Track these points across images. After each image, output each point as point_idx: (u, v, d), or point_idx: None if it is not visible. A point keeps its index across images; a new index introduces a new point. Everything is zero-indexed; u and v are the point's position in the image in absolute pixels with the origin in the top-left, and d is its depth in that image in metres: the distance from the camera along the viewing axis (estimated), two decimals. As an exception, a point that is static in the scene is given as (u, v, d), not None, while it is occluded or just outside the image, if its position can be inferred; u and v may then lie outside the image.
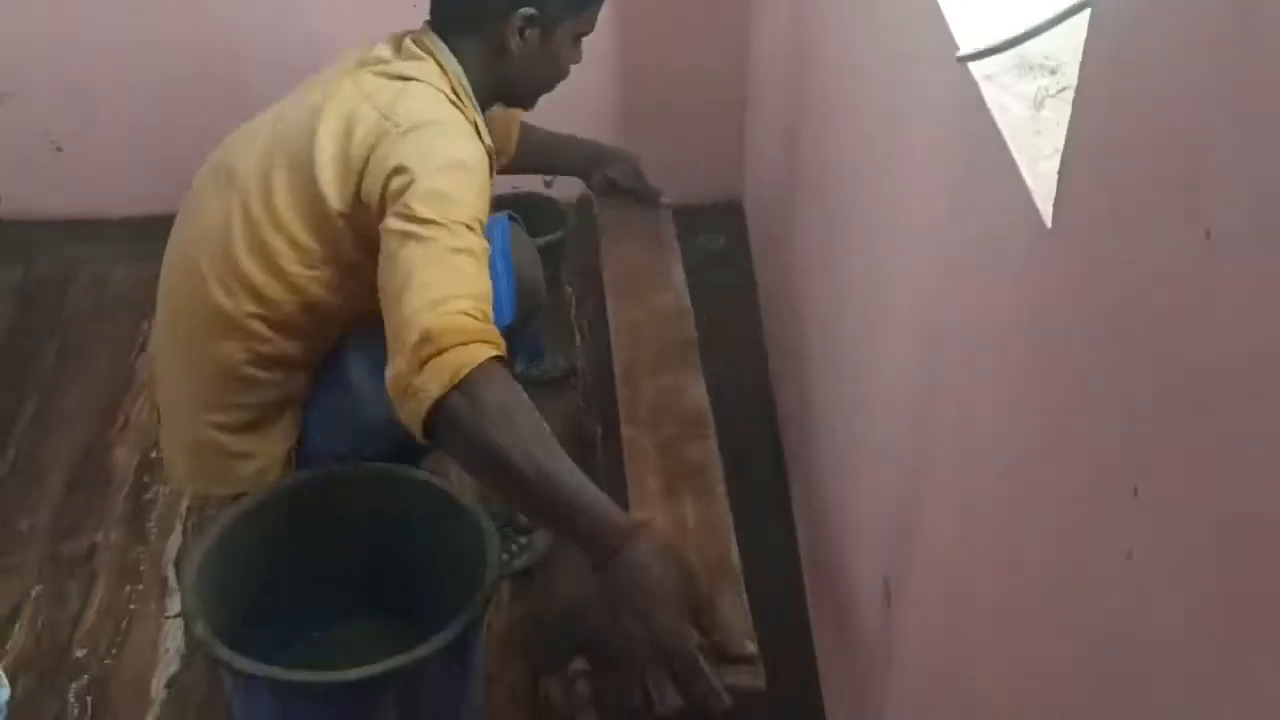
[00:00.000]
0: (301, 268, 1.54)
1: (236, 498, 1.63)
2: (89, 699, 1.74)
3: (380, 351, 1.41)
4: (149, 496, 2.05)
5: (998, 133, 0.91)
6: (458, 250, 1.38)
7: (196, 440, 1.64)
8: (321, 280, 1.55)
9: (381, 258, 1.41)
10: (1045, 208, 0.82)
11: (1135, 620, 0.67)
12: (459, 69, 1.60)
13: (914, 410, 1.17)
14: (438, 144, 1.47)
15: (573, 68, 1.72)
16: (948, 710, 1.08)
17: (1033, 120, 0.92)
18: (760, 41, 2.34)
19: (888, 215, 1.26)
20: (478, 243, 1.41)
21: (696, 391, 1.82)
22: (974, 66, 0.98)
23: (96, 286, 2.49)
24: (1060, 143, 0.88)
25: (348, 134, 1.50)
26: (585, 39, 1.71)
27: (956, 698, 1.04)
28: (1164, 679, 0.64)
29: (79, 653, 1.80)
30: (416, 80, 1.55)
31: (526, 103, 1.76)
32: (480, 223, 1.44)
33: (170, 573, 1.92)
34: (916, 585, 1.19)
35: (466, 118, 1.57)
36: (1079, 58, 0.95)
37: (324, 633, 1.69)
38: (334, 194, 1.49)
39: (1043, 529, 0.82)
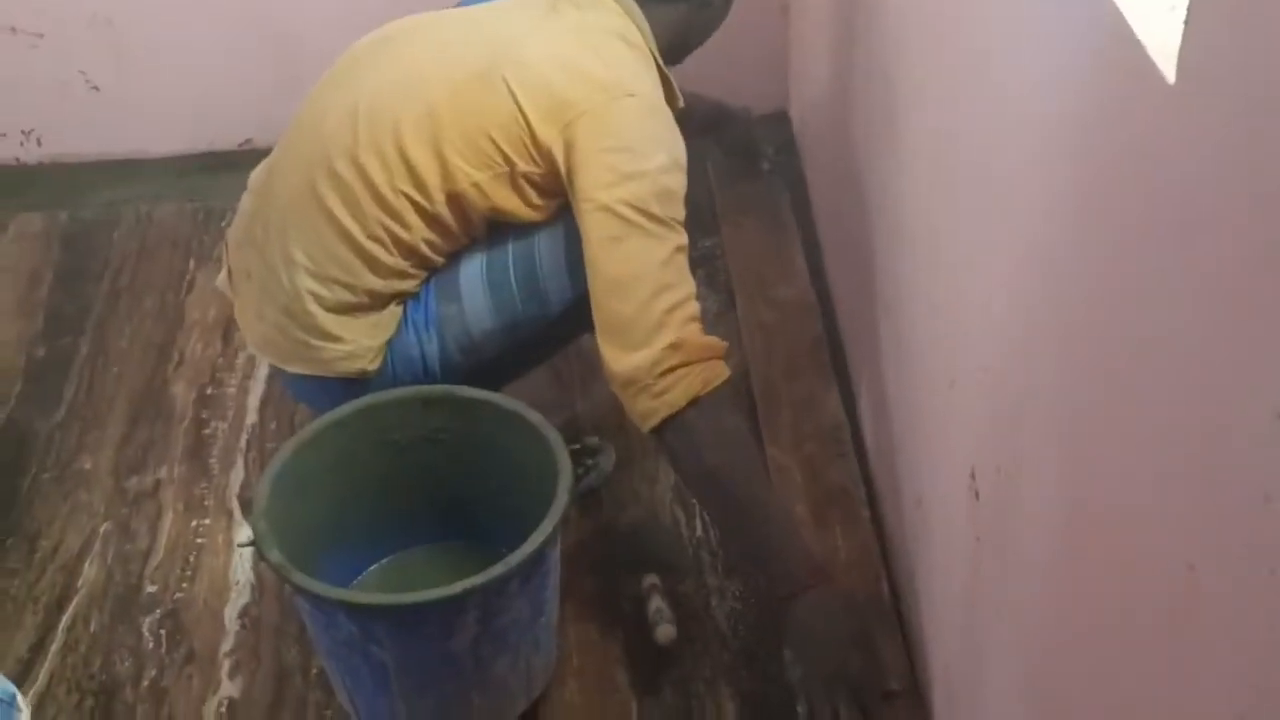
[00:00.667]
0: (463, 163, 1.55)
1: (311, 379, 1.65)
2: (162, 632, 1.74)
3: (499, 270, 1.59)
4: (208, 432, 2.04)
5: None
6: (680, 249, 1.50)
7: (287, 308, 1.62)
8: (480, 182, 1.56)
9: (602, 228, 1.48)
10: (1166, 66, 0.77)
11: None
12: (648, 31, 1.63)
13: (1015, 295, 1.13)
14: (665, 134, 1.53)
15: None
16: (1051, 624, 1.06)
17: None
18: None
19: (972, 97, 1.21)
20: (685, 236, 1.52)
21: (832, 400, 1.97)
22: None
23: (141, 226, 2.47)
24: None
25: (565, 61, 1.54)
26: None
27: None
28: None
29: (151, 587, 1.80)
30: (628, 41, 1.60)
31: (681, 60, 1.76)
32: (684, 207, 1.53)
33: (235, 505, 1.91)
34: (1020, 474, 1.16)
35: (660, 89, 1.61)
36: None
37: (396, 556, 1.68)
38: (531, 106, 1.52)
39: (1177, 397, 0.78)
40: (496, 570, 1.38)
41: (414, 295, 1.63)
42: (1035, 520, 1.10)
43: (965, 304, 1.29)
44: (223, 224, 2.43)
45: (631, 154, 1.49)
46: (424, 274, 1.62)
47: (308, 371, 1.66)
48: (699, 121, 2.10)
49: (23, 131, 2.55)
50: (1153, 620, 0.84)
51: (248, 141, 2.55)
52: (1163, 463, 0.81)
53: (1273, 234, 0.65)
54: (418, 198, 1.56)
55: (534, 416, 1.57)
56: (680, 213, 1.51)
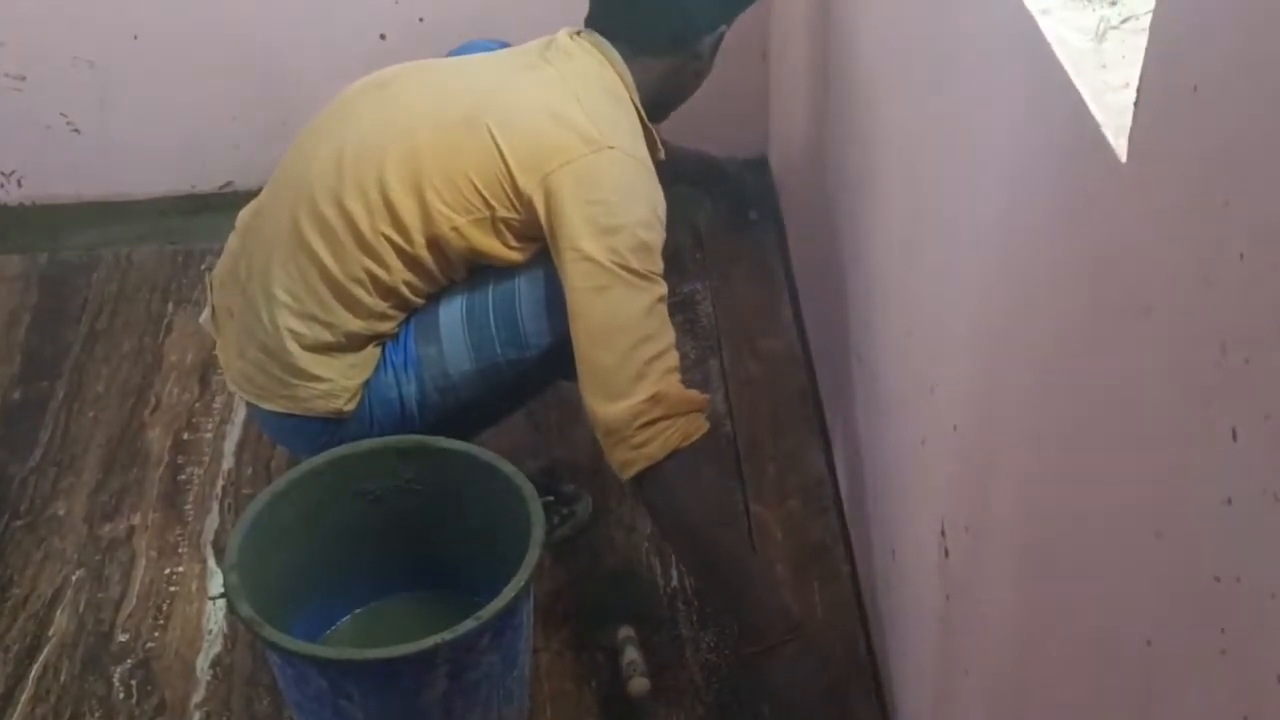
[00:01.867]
0: (444, 206, 1.56)
1: (290, 416, 1.65)
2: (133, 682, 1.73)
3: (479, 312, 1.60)
4: (184, 478, 2.03)
5: (1060, 67, 0.87)
6: (661, 300, 1.52)
7: (266, 345, 1.63)
8: (459, 226, 1.57)
9: (583, 278, 1.50)
10: (1118, 142, 0.78)
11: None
12: (632, 84, 1.64)
13: (979, 358, 1.14)
14: (644, 187, 1.56)
15: None
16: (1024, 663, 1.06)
17: (1095, 53, 0.88)
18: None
19: (940, 161, 1.22)
20: (665, 286, 1.54)
21: (815, 455, 2.00)
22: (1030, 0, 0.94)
23: (120, 269, 2.47)
24: (1129, 76, 0.85)
25: (551, 114, 1.56)
26: None
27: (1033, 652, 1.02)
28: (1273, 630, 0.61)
29: (122, 636, 1.79)
30: (613, 95, 1.62)
31: (665, 116, 1.77)
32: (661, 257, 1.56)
33: (209, 553, 1.91)
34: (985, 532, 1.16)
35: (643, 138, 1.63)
36: (1140, -14, 0.92)
37: (369, 607, 1.68)
38: (513, 155, 1.54)
39: (1131, 475, 0.79)
40: (467, 625, 1.38)
41: (393, 336, 1.63)
42: (999, 581, 1.10)
43: (935, 362, 1.29)
44: (203, 267, 2.45)
45: (610, 207, 1.51)
46: (403, 315, 1.63)
47: (284, 410, 1.66)
48: (687, 174, 2.15)
49: (3, 173, 2.55)
50: (1113, 689, 0.84)
51: (229, 184, 2.56)
52: (1119, 538, 0.81)
53: (1218, 315, 0.66)
54: (398, 240, 1.57)
55: (508, 468, 1.56)
56: (658, 265, 1.53)
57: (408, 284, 1.60)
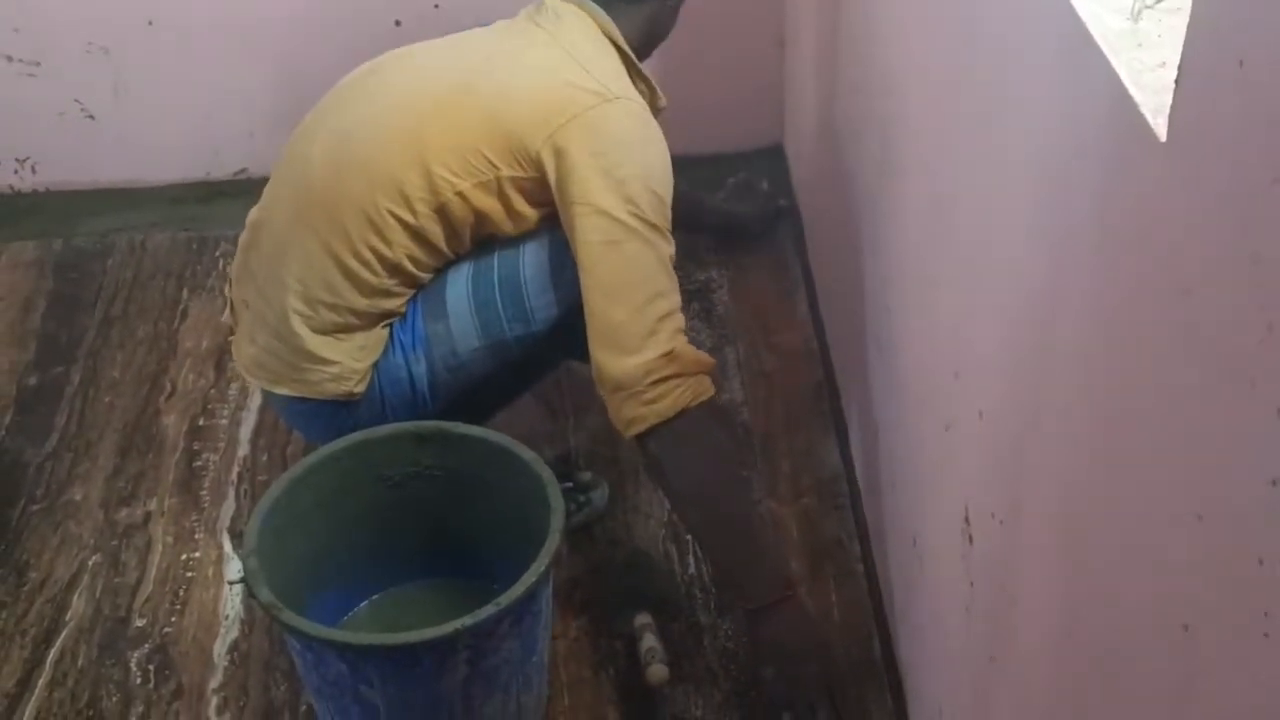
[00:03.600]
0: (449, 174, 1.55)
1: (303, 400, 1.65)
2: (151, 667, 1.73)
3: (485, 287, 1.59)
4: (200, 464, 2.03)
5: (1096, 47, 0.86)
6: (671, 258, 1.52)
7: (277, 330, 1.64)
8: (464, 190, 1.56)
9: (595, 231, 1.48)
10: (1157, 121, 0.77)
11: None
12: (619, 37, 1.63)
13: (1010, 343, 1.13)
14: (653, 136, 1.54)
15: None
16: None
17: (1132, 32, 0.88)
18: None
19: (970, 144, 1.21)
20: (673, 244, 1.55)
21: (830, 450, 1.99)
22: (1065, -20, 0.93)
23: (135, 255, 2.47)
24: (1166, 56, 0.84)
25: (550, 72, 1.55)
26: None
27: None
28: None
29: (139, 621, 1.79)
30: (604, 49, 1.61)
31: (649, 55, 1.75)
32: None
33: (226, 539, 1.90)
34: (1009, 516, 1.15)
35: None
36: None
37: (386, 593, 1.67)
38: (515, 115, 1.53)
39: (1171, 458, 0.78)
40: (487, 610, 1.38)
41: (400, 316, 1.63)
42: (1030, 567, 1.10)
43: (962, 347, 1.29)
44: (217, 253, 2.45)
45: (621, 157, 1.50)
46: (409, 292, 1.62)
47: (295, 393, 1.66)
48: (712, 229, 2.29)
49: (18, 159, 2.54)
50: (1150, 676, 0.84)
51: (243, 171, 2.55)
52: (1158, 521, 0.81)
53: (1264, 294, 0.65)
54: (402, 213, 1.56)
55: (527, 454, 1.56)
56: (669, 219, 1.53)
57: (411, 258, 1.59)
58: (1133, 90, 0.81)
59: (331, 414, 1.66)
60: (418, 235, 1.58)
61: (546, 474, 1.53)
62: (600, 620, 1.75)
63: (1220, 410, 0.71)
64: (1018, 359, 1.10)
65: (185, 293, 2.37)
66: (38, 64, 2.44)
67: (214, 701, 1.69)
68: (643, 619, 1.68)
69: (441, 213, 1.57)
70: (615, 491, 1.91)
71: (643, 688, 1.63)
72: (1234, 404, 0.68)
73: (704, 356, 1.52)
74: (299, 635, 1.40)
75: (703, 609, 1.77)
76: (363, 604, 1.68)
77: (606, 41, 1.62)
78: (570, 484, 1.83)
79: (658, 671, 1.62)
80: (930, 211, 1.37)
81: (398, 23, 2.40)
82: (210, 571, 1.86)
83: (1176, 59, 0.79)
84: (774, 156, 2.56)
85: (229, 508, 1.95)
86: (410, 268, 1.60)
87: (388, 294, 1.61)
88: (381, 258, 1.58)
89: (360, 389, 1.63)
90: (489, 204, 1.56)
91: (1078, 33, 0.89)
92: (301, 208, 1.62)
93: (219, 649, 1.75)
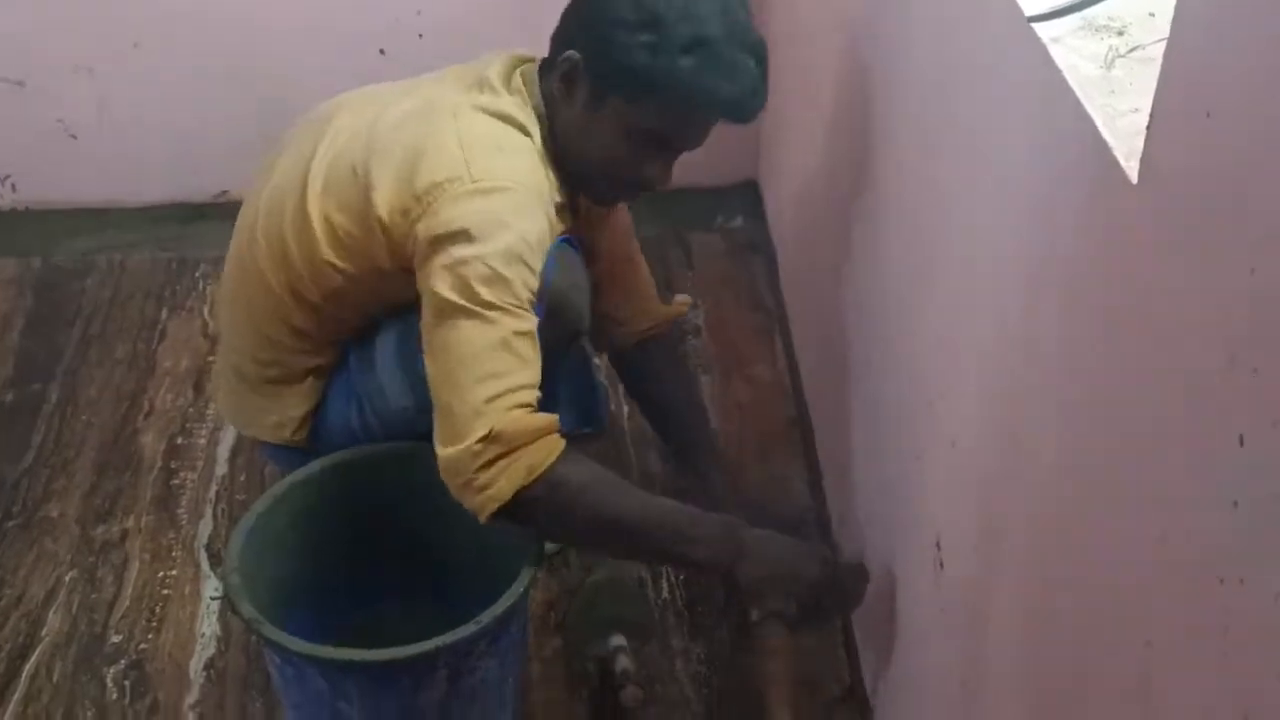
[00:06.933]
0: (331, 254, 1.53)
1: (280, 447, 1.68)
2: (127, 683, 1.74)
3: (410, 345, 1.49)
4: (177, 482, 2.04)
5: (1072, 93, 0.91)
6: (519, 334, 1.40)
7: (234, 374, 1.69)
8: (346, 273, 1.53)
9: (433, 316, 1.40)
10: (1129, 164, 0.82)
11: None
12: (544, 112, 1.52)
13: (986, 373, 1.17)
14: (509, 218, 1.41)
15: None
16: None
17: (1105, 79, 0.92)
18: (777, 14, 2.33)
19: (951, 184, 1.26)
20: (533, 321, 1.42)
21: (798, 483, 2.00)
22: (1040, 28, 0.98)
23: (114, 274, 2.48)
24: (1137, 102, 0.88)
25: (421, 154, 1.45)
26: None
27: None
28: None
29: (115, 637, 1.80)
30: (512, 126, 1.49)
31: (590, 189, 1.59)
32: (534, 293, 1.43)
33: (203, 557, 1.92)
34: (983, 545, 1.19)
35: (548, 179, 1.49)
36: (1146, 18, 0.96)
37: (367, 613, 1.68)
38: (383, 204, 1.46)
39: (1137, 481, 0.82)
40: (467, 629, 1.40)
41: (328, 368, 1.65)
42: (1000, 592, 1.13)
43: (935, 378, 1.33)
44: (196, 274, 2.47)
45: (464, 240, 1.39)
46: (332, 350, 1.63)
47: (251, 434, 1.73)
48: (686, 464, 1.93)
49: (-1, 177, 2.56)
50: (1115, 694, 0.87)
51: (223, 193, 2.57)
52: (1123, 540, 0.85)
53: (1227, 326, 0.69)
54: (300, 291, 1.57)
55: (507, 477, 1.58)
56: (518, 298, 1.40)
57: (321, 326, 1.60)
58: (1106, 134, 0.86)
59: (289, 455, 1.70)
60: (319, 310, 1.58)
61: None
62: (574, 643, 1.77)
63: (1185, 437, 0.75)
64: (992, 388, 1.14)
65: (164, 313, 2.39)
66: (21, 83, 2.46)
67: (190, 718, 1.70)
68: (617, 641, 1.71)
69: (334, 297, 1.56)
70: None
71: (616, 710, 1.66)
72: (1199, 431, 0.73)
73: (537, 421, 1.38)
74: (280, 650, 1.42)
75: (676, 632, 1.80)
76: (340, 624, 1.69)
77: (518, 133, 1.49)
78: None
79: (632, 694, 1.64)
80: (909, 246, 1.42)
81: (382, 51, 2.44)
82: (187, 589, 1.87)
83: (1147, 106, 0.84)
84: (748, 192, 2.61)
85: (206, 526, 1.97)
86: (324, 333, 1.61)
87: (310, 353, 1.63)
88: (291, 327, 1.60)
89: (299, 436, 1.67)
90: (382, 287, 1.53)
91: (1054, 80, 0.94)
92: (233, 263, 1.66)
93: (195, 666, 1.76)
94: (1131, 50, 0.95)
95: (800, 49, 2.08)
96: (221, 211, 2.56)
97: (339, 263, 1.53)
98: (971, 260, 1.18)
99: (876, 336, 1.60)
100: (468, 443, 1.36)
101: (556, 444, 1.40)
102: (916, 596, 1.42)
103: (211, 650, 1.78)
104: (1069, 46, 0.97)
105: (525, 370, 1.40)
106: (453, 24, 2.40)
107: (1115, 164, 0.83)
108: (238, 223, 1.67)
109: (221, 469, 2.06)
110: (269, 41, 2.44)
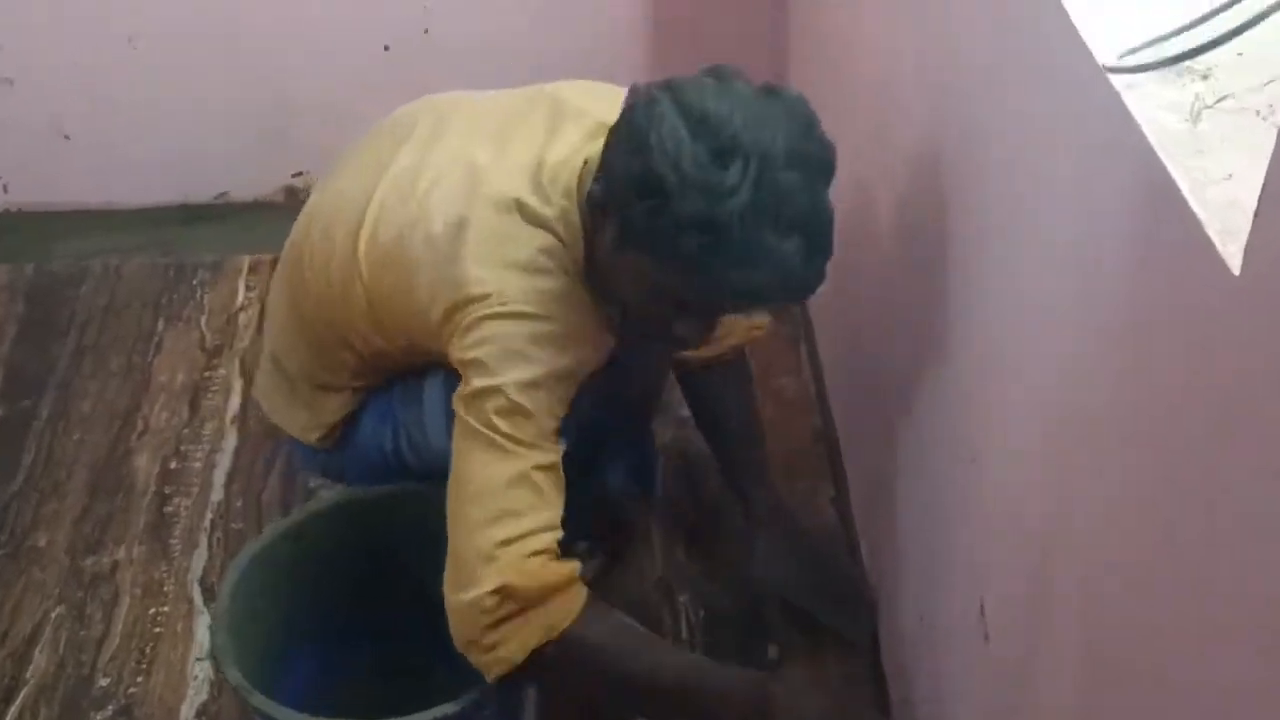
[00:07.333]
0: (376, 337, 1.46)
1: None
2: (115, 729, 1.65)
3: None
4: (170, 509, 1.94)
5: (1153, 154, 0.79)
6: (541, 469, 1.27)
7: (273, 363, 1.61)
8: (397, 347, 1.46)
9: (457, 436, 1.29)
10: (1228, 249, 0.70)
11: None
12: (579, 232, 1.33)
13: (1052, 468, 1.06)
14: (530, 348, 1.28)
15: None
16: None
17: (1191, 136, 0.80)
18: (804, 47, 2.20)
19: (1007, 229, 1.14)
20: (558, 452, 1.30)
21: (826, 502, 1.90)
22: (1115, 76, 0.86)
23: (109, 280, 2.37)
24: (1230, 164, 0.77)
25: (458, 253, 1.31)
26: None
27: None
28: None
29: (103, 680, 1.71)
30: (547, 241, 1.31)
31: (626, 330, 1.38)
32: (558, 421, 1.30)
33: (196, 592, 1.82)
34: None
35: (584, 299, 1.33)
36: (1235, 59, 0.84)
37: (376, 660, 1.59)
38: (436, 314, 1.33)
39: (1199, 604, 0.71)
40: (469, 697, 1.30)
41: (377, 387, 1.55)
42: (1051, 669, 1.03)
43: (988, 430, 1.21)
44: (194, 281, 2.37)
45: (484, 370, 1.28)
46: (380, 377, 1.54)
47: (281, 425, 1.63)
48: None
49: (-10, 178, 2.46)
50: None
51: (223, 195, 2.47)
52: (1189, 632, 0.74)
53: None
54: (351, 340, 1.49)
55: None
56: (542, 430, 1.28)
57: (368, 362, 1.51)
58: (1196, 207, 0.74)
59: (313, 453, 1.62)
60: (362, 354, 1.50)
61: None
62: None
63: (1257, 542, 0.64)
64: (1050, 453, 1.03)
65: (161, 323, 2.28)
66: (12, 81, 2.35)
67: (181, 769, 1.61)
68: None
69: (380, 356, 1.49)
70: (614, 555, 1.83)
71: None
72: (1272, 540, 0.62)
73: (557, 573, 1.25)
74: (269, 720, 1.32)
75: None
76: (350, 667, 1.59)
77: (576, 238, 1.33)
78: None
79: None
80: (954, 288, 1.29)
81: (386, 48, 2.33)
82: (179, 627, 1.78)
83: (1242, 170, 0.72)
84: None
85: (200, 557, 1.87)
86: (371, 364, 1.51)
87: (352, 373, 1.54)
88: (339, 347, 1.51)
89: (327, 444, 1.58)
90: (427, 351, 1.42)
91: (1131, 137, 0.81)
92: (289, 257, 1.56)
93: (187, 712, 1.67)
94: (1220, 100, 0.83)
95: (835, 91, 1.95)
96: (221, 213, 2.47)
97: (381, 342, 1.45)
98: (1023, 309, 1.07)
99: (927, 368, 1.48)
100: (477, 593, 1.23)
101: (577, 599, 1.27)
102: (962, 654, 1.31)
103: (204, 695, 1.69)
104: (1145, 94, 0.84)
105: (545, 510, 1.26)
106: (461, 19, 2.29)
107: (1210, 246, 0.71)
108: (304, 210, 1.56)
109: (217, 495, 1.96)
110: (269, 37, 2.33)
